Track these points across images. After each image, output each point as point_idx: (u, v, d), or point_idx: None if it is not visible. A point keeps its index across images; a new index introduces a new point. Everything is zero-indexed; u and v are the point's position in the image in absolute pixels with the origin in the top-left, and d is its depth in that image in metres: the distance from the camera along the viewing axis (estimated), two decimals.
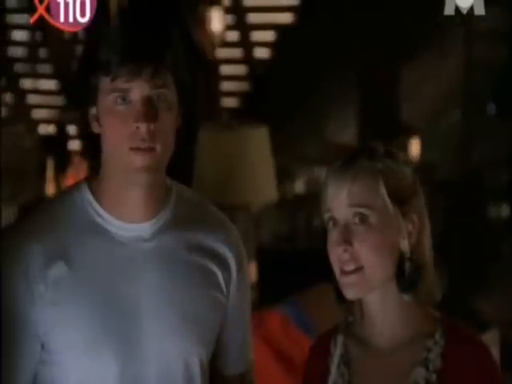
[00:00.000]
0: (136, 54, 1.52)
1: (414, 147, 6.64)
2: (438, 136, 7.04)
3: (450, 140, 7.00)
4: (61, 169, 6.39)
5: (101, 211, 1.58)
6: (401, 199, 1.47)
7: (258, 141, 4.29)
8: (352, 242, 1.45)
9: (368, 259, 1.45)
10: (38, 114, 8.67)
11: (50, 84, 8.55)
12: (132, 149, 1.54)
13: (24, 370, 1.55)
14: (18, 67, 8.54)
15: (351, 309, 1.52)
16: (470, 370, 1.44)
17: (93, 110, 1.58)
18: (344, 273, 1.46)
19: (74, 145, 7.53)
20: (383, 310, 1.49)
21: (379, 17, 6.36)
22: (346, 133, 7.03)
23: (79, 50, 7.69)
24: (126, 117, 1.54)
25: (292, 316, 2.94)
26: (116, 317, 1.56)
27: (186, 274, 1.60)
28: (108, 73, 1.54)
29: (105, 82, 1.55)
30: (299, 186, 6.50)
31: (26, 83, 8.62)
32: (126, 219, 1.58)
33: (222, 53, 7.01)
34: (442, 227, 5.69)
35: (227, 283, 1.65)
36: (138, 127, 1.53)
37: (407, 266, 1.47)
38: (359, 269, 1.46)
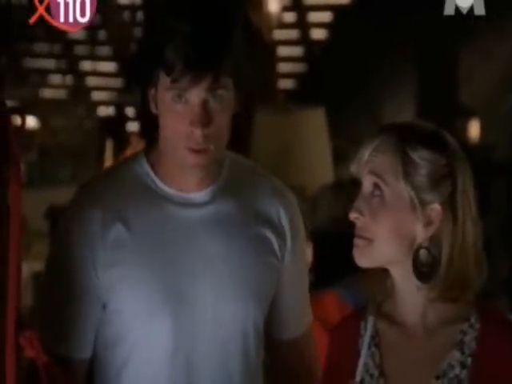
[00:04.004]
0: (198, 64, 1.53)
1: (474, 129, 6.56)
2: (498, 118, 6.95)
3: (511, 122, 6.90)
4: (119, 150, 6.46)
5: (157, 181, 1.62)
6: (423, 187, 1.45)
7: (315, 123, 4.29)
8: (364, 213, 1.46)
9: (377, 234, 1.45)
10: (97, 96, 8.77)
11: (109, 66, 8.63)
12: (187, 148, 1.57)
13: (89, 331, 1.61)
14: (78, 49, 8.64)
15: (385, 289, 1.51)
16: (505, 354, 1.43)
17: (152, 91, 1.60)
18: (355, 235, 1.47)
19: (133, 126, 7.61)
20: (412, 289, 1.47)
21: None
22: (403, 114, 6.97)
23: (138, 32, 7.74)
24: (183, 116, 1.56)
25: (348, 298, 2.95)
26: (172, 278, 1.59)
27: (241, 238, 1.63)
28: (169, 73, 1.55)
29: (165, 79, 1.56)
30: None
31: (86, 65, 8.72)
32: (182, 190, 1.62)
33: (278, 34, 7.00)
34: (503, 210, 5.62)
35: (282, 248, 1.66)
36: (192, 130, 1.56)
37: (421, 254, 1.45)
38: (368, 239, 1.46)
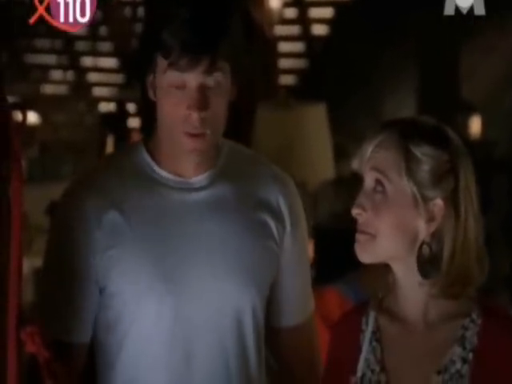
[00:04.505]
0: (195, 47, 1.56)
1: (475, 126, 6.56)
2: (499, 114, 6.95)
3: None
4: (120, 146, 6.47)
5: (155, 167, 1.65)
6: (425, 183, 1.45)
7: (316, 119, 4.29)
8: (367, 208, 1.47)
9: (380, 229, 1.45)
10: (98, 91, 8.77)
11: (110, 62, 8.64)
12: (184, 132, 1.59)
13: (89, 316, 1.62)
14: (79, 45, 8.64)
15: (386, 284, 1.51)
16: (506, 349, 1.43)
17: (150, 78, 1.62)
18: (357, 230, 1.48)
19: (134, 122, 7.61)
20: (414, 285, 1.48)
21: None
22: (404, 110, 6.97)
23: (139, 28, 7.74)
24: (180, 101, 1.58)
25: (349, 293, 2.95)
26: (170, 259, 1.61)
27: (238, 222, 1.64)
28: (167, 57, 1.57)
29: (163, 63, 1.59)
30: None
31: (87, 61, 8.72)
32: (180, 175, 1.65)
33: (279, 30, 7.00)
34: (504, 207, 5.63)
35: (280, 233, 1.67)
36: (190, 113, 1.58)
37: (423, 250, 1.46)
38: (370, 235, 1.46)
